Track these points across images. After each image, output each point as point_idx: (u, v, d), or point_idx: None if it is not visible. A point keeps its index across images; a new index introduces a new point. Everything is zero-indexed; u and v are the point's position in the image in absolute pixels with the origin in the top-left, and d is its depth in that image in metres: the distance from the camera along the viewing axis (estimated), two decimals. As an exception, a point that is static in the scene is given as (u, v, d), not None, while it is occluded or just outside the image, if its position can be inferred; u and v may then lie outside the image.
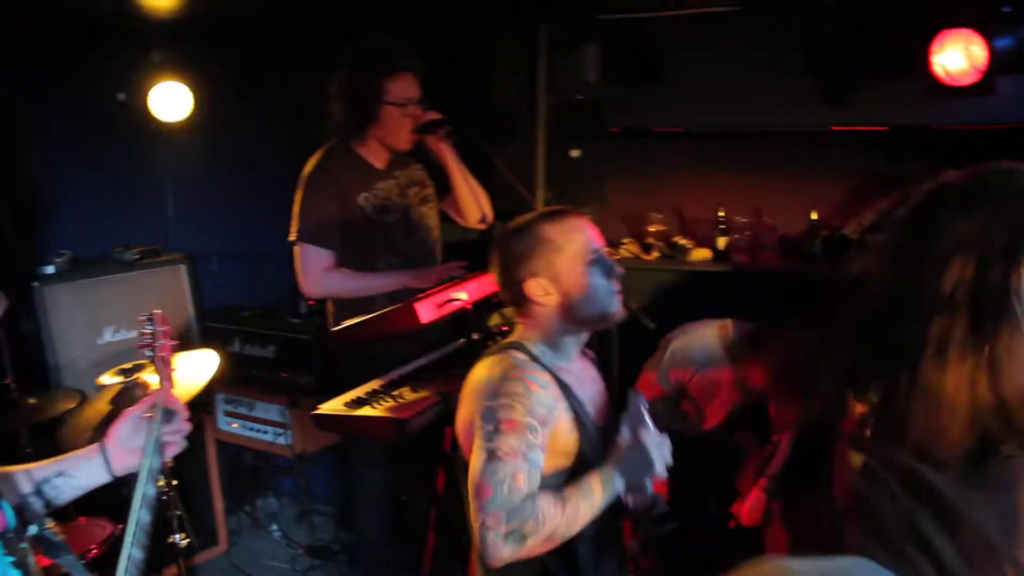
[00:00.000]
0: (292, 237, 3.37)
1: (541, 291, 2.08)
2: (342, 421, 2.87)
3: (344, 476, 4.25)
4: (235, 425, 4.40)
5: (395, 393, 2.95)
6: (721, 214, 4.15)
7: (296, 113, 4.54)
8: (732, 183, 4.29)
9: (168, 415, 1.81)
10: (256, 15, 4.02)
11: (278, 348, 4.18)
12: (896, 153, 3.98)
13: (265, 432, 4.28)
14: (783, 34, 3.87)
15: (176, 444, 1.82)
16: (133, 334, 4.05)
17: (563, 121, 3.78)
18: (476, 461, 1.90)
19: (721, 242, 4.16)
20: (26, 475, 1.64)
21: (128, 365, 3.13)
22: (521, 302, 2.13)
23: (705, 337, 3.32)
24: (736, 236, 4.17)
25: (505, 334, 3.44)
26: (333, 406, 2.92)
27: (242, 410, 4.36)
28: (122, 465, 1.76)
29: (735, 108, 3.99)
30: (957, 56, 3.22)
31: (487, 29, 3.83)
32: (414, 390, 2.99)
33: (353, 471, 3.60)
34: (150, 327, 1.95)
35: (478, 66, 3.88)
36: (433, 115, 3.32)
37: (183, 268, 4.25)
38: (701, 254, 4.19)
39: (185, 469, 3.40)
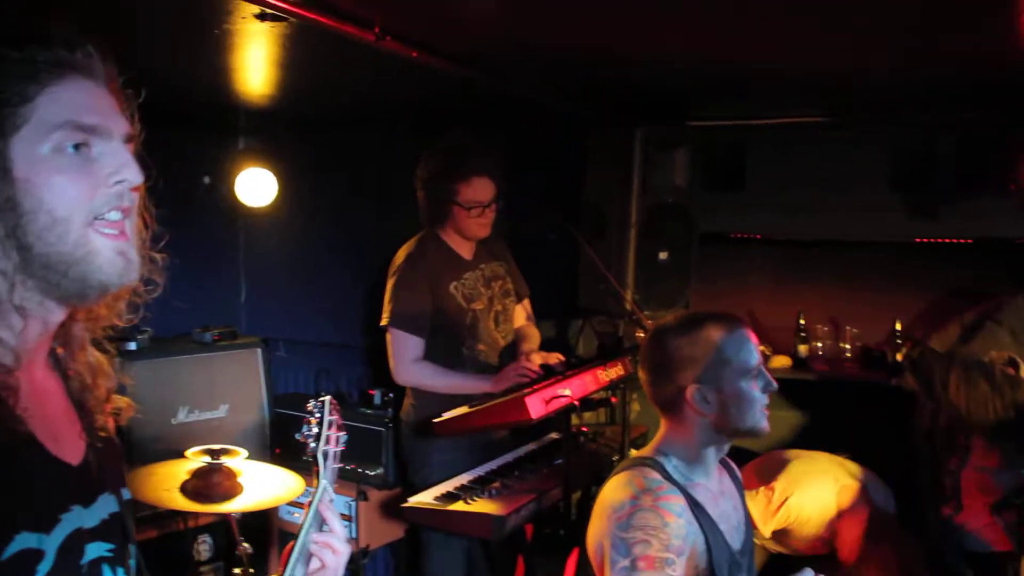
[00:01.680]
0: (384, 322, 3.45)
1: (702, 400, 2.02)
2: (433, 515, 2.81)
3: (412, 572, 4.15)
4: (297, 515, 4.32)
5: (488, 489, 2.90)
6: (801, 322, 4.12)
7: (375, 207, 4.64)
8: (812, 291, 4.28)
9: (321, 522, 1.52)
10: (345, 109, 4.11)
11: (349, 438, 4.12)
12: (981, 266, 3.98)
13: (329, 524, 4.20)
14: (868, 145, 3.92)
15: (330, 561, 1.48)
16: (206, 415, 4.05)
17: (652, 223, 3.82)
18: None
19: (801, 350, 4.12)
20: None
21: (216, 447, 3.12)
22: (674, 407, 2.07)
23: (824, 505, 3.28)
24: (816, 344, 4.13)
25: (584, 435, 3.42)
26: (423, 500, 2.87)
27: (305, 500, 4.28)
28: None
29: (816, 217, 4.02)
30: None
31: (583, 131, 3.91)
32: (506, 486, 2.94)
33: (429, 565, 3.51)
34: (319, 413, 1.70)
35: (572, 166, 3.94)
36: None
37: (258, 352, 4.24)
38: (780, 362, 4.15)
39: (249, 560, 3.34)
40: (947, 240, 3.89)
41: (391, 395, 4.11)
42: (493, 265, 3.64)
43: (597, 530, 1.97)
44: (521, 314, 3.76)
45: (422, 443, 3.54)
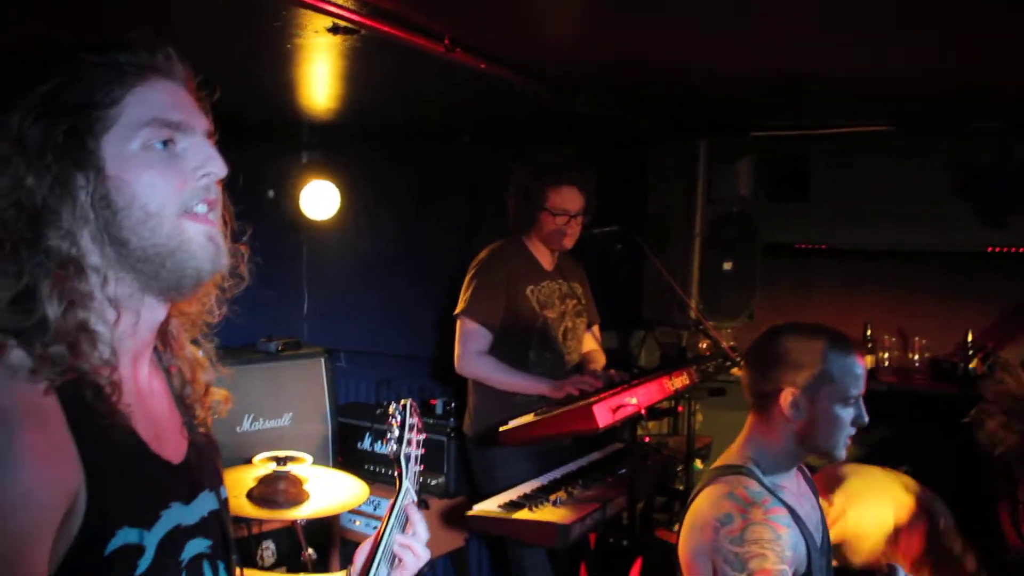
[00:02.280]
0: (458, 310, 3.52)
1: (794, 407, 2.01)
2: (498, 523, 2.81)
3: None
4: (358, 523, 4.35)
5: (552, 497, 2.89)
6: (868, 333, 4.05)
7: (435, 219, 4.68)
8: (878, 302, 4.21)
9: (404, 523, 1.55)
10: (409, 122, 4.16)
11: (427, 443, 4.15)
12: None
13: (392, 533, 4.22)
14: (934, 153, 3.85)
15: (410, 562, 1.51)
16: (271, 424, 4.11)
17: (716, 233, 3.79)
18: None
19: (868, 361, 4.05)
20: None
21: (282, 454, 3.17)
22: (766, 405, 2.06)
23: (882, 521, 3.23)
24: (883, 356, 4.05)
25: (648, 445, 3.40)
26: (488, 508, 2.88)
27: (367, 508, 4.32)
28: None
29: (881, 227, 3.95)
30: None
31: (647, 143, 3.91)
32: (570, 495, 2.94)
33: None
34: (400, 416, 1.70)
35: (635, 175, 3.94)
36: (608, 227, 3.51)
37: (322, 361, 4.29)
38: (845, 373, 4.08)
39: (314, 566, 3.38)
40: (1018, 249, 3.80)
41: (452, 404, 4.15)
42: (571, 283, 3.70)
43: (696, 543, 1.96)
44: (590, 340, 3.80)
45: (487, 452, 3.56)
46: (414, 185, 4.75)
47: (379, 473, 4.22)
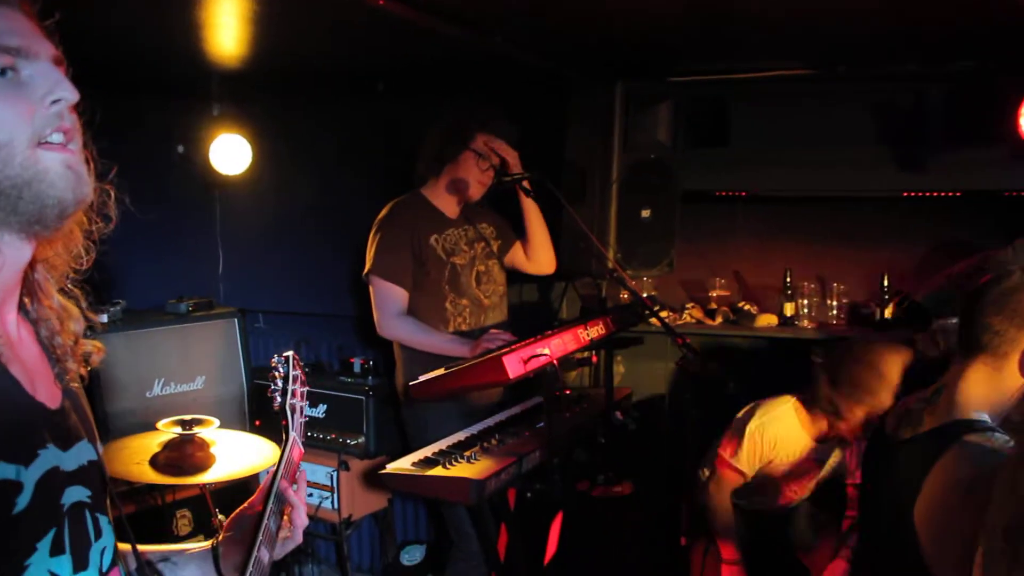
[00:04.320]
0: (366, 270, 3.50)
1: None
2: (412, 481, 2.74)
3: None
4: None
5: (467, 454, 2.82)
6: (788, 280, 4.05)
7: (353, 172, 4.55)
8: (798, 249, 4.21)
9: (282, 505, 1.54)
10: (320, 70, 4.00)
11: (328, 408, 4.06)
12: (969, 219, 3.91)
13: (310, 495, 4.13)
14: (854, 99, 3.83)
15: (292, 537, 1.55)
16: (183, 388, 3.98)
17: (634, 181, 3.73)
18: None
19: (787, 308, 4.05)
20: (133, 554, 1.45)
21: (188, 417, 3.05)
22: (1004, 357, 1.91)
23: (790, 428, 3.24)
24: (802, 302, 4.06)
25: (567, 397, 3.35)
26: (402, 466, 2.80)
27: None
28: (234, 562, 1.50)
29: (801, 172, 3.92)
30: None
31: (563, 89, 3.81)
32: (486, 450, 2.87)
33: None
34: (283, 368, 1.69)
35: (551, 123, 3.85)
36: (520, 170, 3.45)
37: (235, 322, 4.16)
38: (766, 320, 4.08)
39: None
40: (935, 193, 3.81)
41: (371, 363, 4.05)
42: (479, 226, 3.66)
43: (958, 515, 1.74)
44: (520, 252, 3.75)
45: (419, 412, 3.52)
46: (331, 138, 4.60)
47: (299, 435, 4.12)
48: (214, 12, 2.86)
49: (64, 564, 1.13)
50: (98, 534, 1.21)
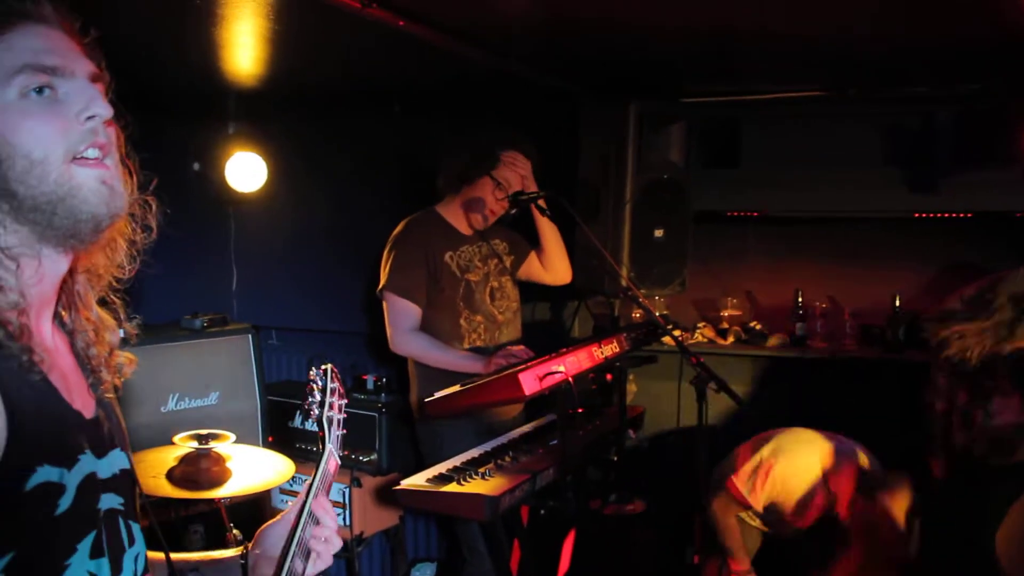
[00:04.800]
0: (380, 286, 3.52)
1: None
2: (426, 497, 2.75)
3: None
4: (289, 503, 4.26)
5: (481, 470, 2.83)
6: (799, 300, 4.07)
7: (368, 191, 4.58)
8: (809, 269, 4.23)
9: (318, 517, 1.53)
10: (334, 88, 4.05)
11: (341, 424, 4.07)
12: (980, 240, 3.93)
13: (323, 512, 4.13)
14: (865, 120, 3.87)
15: (323, 555, 1.52)
16: (197, 403, 3.99)
17: (647, 201, 3.76)
18: None
19: (798, 328, 4.07)
20: (167, 562, 1.48)
21: (205, 432, 3.06)
22: None
23: (808, 469, 3.25)
24: (814, 322, 4.08)
25: (581, 415, 3.37)
26: (416, 482, 2.81)
27: (298, 488, 4.24)
28: (263, 573, 1.50)
29: (812, 193, 3.96)
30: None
31: (577, 108, 3.85)
32: (500, 467, 2.88)
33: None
34: (322, 381, 1.68)
35: (565, 142, 3.89)
36: (535, 188, 3.48)
37: (249, 338, 4.17)
38: (777, 340, 4.10)
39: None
40: (946, 214, 3.83)
41: (384, 380, 4.07)
42: (492, 242, 3.69)
43: None
44: (535, 263, 3.75)
45: (433, 429, 3.52)
46: (345, 157, 4.64)
47: (311, 451, 4.13)
48: (232, 31, 2.90)
49: (104, 567, 1.16)
50: (131, 541, 1.24)
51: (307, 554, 1.49)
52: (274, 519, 1.57)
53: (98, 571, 1.14)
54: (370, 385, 4.09)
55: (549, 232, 3.62)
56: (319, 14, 2.50)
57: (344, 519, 4.06)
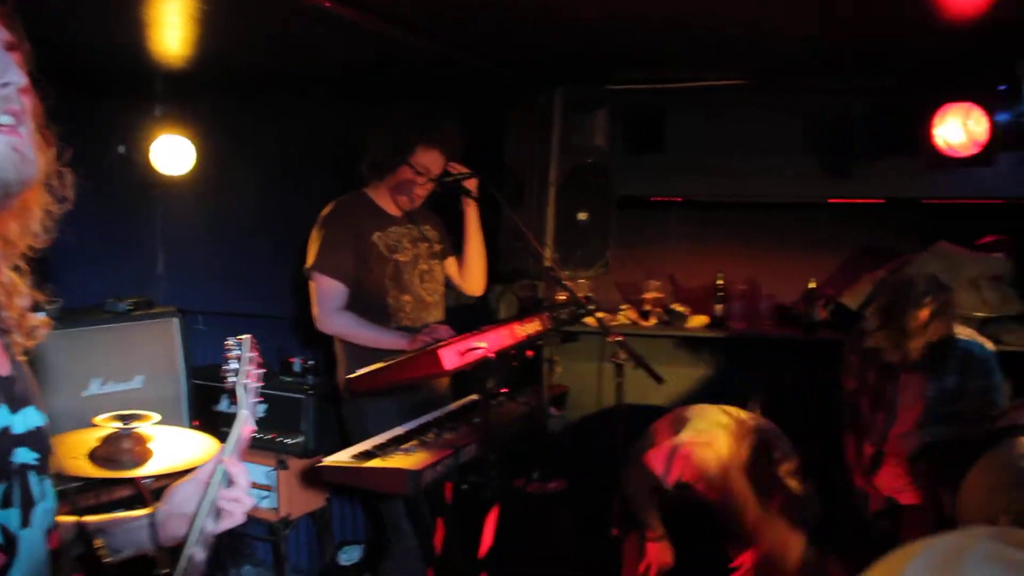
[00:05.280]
0: (308, 265, 3.53)
1: None
2: (350, 473, 2.78)
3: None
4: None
5: (404, 447, 2.88)
6: (720, 282, 4.18)
7: (295, 175, 4.56)
8: (729, 252, 4.35)
9: (229, 478, 1.54)
10: (263, 71, 4.02)
11: (268, 407, 4.06)
12: (891, 225, 4.09)
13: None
14: (785, 109, 3.98)
15: (234, 514, 1.53)
16: (121, 387, 3.93)
17: (572, 184, 3.83)
18: None
19: (718, 309, 4.19)
20: (72, 525, 1.48)
21: (127, 412, 3.04)
22: None
23: (718, 446, 3.34)
24: (733, 304, 4.20)
25: (503, 394, 3.43)
26: (340, 459, 2.84)
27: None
28: (170, 534, 1.53)
29: (734, 179, 4.07)
30: (957, 128, 3.32)
31: (503, 93, 3.90)
32: (423, 444, 2.93)
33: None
34: (238, 350, 1.73)
35: (492, 126, 3.93)
36: (462, 169, 3.52)
37: (175, 322, 4.13)
38: (698, 321, 4.21)
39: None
40: (859, 200, 3.98)
41: (311, 363, 4.07)
42: (422, 227, 3.71)
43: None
44: (454, 267, 3.81)
45: (359, 408, 3.55)
46: (273, 140, 4.60)
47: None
48: (159, 10, 2.85)
49: (13, 517, 1.18)
50: (43, 496, 1.26)
51: (218, 513, 1.51)
52: (184, 478, 1.58)
53: (6, 521, 1.16)
54: (297, 368, 4.08)
55: (475, 243, 3.69)
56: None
57: (271, 501, 4.05)
